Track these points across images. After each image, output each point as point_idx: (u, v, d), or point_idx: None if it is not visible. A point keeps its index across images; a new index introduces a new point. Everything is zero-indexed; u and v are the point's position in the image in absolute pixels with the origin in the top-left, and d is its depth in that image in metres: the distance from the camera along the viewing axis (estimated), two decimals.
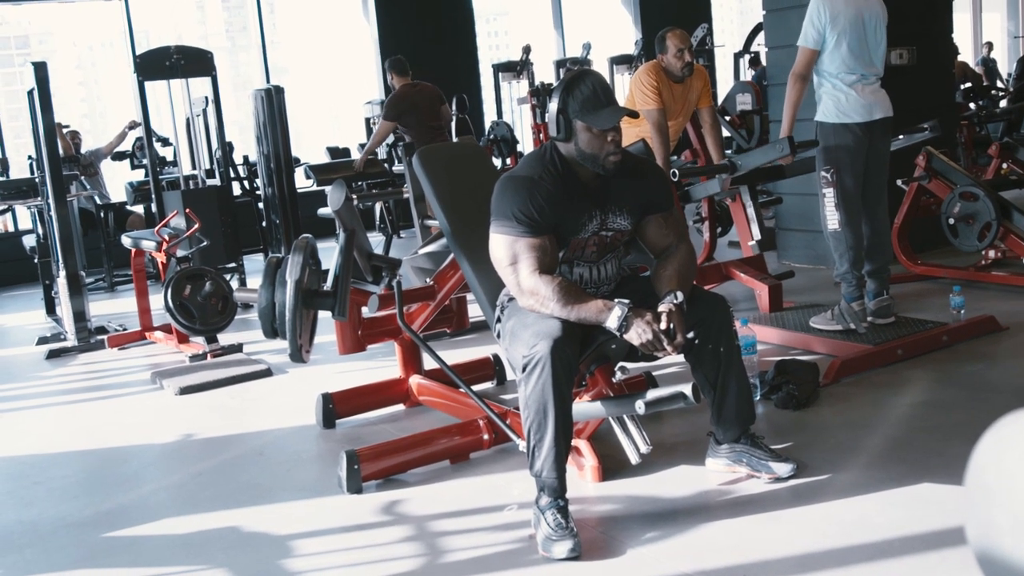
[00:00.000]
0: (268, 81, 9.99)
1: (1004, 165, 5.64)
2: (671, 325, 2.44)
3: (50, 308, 6.41)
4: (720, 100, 8.69)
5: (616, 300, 2.46)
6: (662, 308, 2.47)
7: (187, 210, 5.44)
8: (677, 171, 4.30)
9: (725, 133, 7.66)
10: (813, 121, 4.05)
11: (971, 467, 0.71)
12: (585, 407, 2.61)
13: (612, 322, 2.43)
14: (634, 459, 2.62)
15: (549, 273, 2.51)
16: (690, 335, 2.56)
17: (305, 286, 2.82)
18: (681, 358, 2.72)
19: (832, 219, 3.95)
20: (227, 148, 7.58)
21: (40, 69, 5.26)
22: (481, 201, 2.69)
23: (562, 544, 2.36)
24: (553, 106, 2.58)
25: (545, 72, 10.54)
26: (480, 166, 3.34)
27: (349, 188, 6.93)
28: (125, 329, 5.71)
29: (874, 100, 3.93)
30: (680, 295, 2.52)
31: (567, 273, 2.67)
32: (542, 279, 2.48)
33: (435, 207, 3.08)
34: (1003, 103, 9.20)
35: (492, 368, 3.96)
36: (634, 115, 2.58)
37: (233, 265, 6.64)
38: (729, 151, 7.48)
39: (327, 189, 3.56)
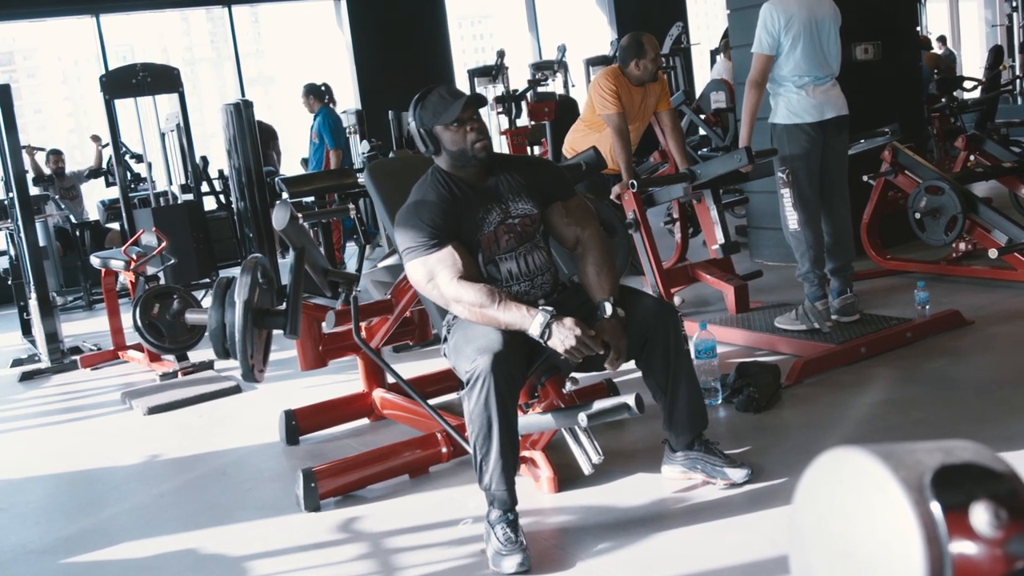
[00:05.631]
0: (243, 93, 9.98)
1: (971, 157, 5.64)
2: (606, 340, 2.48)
3: (25, 329, 6.37)
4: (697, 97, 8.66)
5: (540, 307, 2.46)
6: (597, 329, 2.49)
7: (154, 228, 5.42)
8: (635, 182, 4.30)
9: (700, 132, 7.68)
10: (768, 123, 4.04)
11: (793, 505, 0.71)
12: (532, 419, 2.60)
13: (535, 329, 2.42)
14: (586, 469, 2.61)
15: (470, 280, 2.52)
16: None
17: (256, 305, 2.80)
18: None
19: (791, 219, 3.95)
20: (200, 163, 7.57)
21: (3, 92, 5.24)
22: None
23: (511, 559, 2.35)
24: (413, 127, 2.67)
25: (521, 76, 10.52)
26: None
27: (321, 199, 6.96)
28: (99, 349, 5.69)
29: (825, 99, 3.91)
30: (609, 306, 2.54)
31: (495, 272, 2.66)
32: (462, 284, 2.49)
33: (384, 221, 3.07)
34: (977, 92, 9.20)
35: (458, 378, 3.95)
36: (483, 103, 2.65)
37: (207, 280, 6.62)
38: (705, 149, 7.47)
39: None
